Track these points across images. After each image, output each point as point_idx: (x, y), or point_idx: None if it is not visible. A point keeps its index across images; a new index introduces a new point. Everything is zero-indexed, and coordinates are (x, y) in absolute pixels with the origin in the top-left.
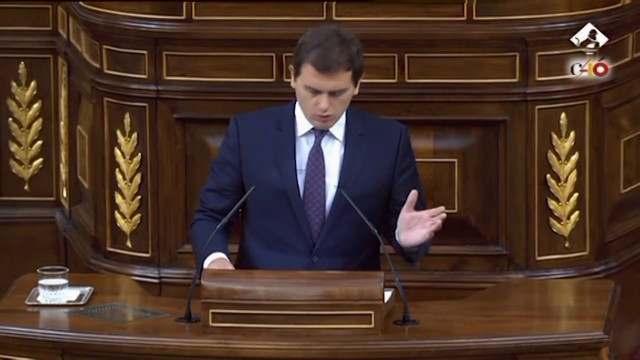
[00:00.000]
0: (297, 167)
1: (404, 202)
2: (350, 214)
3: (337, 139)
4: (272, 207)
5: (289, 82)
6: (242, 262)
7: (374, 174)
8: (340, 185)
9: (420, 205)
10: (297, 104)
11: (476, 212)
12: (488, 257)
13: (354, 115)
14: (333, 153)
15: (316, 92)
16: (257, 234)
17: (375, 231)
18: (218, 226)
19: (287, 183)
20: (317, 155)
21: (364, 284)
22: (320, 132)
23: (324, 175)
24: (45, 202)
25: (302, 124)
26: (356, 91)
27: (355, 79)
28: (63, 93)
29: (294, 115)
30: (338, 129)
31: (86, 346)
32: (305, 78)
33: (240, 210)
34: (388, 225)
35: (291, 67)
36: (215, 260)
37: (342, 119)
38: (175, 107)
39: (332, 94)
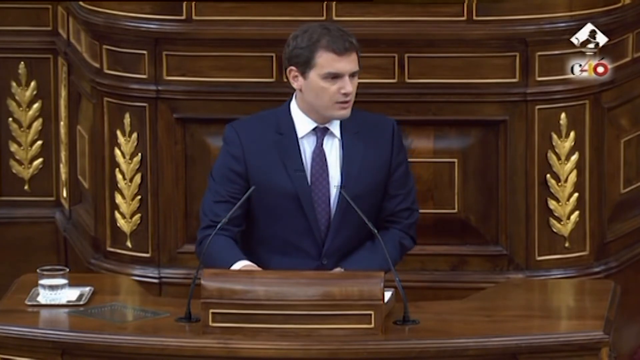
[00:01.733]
0: (305, 168)
1: (396, 196)
2: (353, 213)
3: (337, 137)
4: (283, 211)
5: (287, 83)
6: None
7: (373, 171)
8: (342, 185)
9: (414, 201)
10: (291, 106)
11: (476, 212)
12: (488, 257)
13: None
14: (333, 152)
15: (337, 77)
16: (266, 240)
17: (375, 231)
18: (219, 225)
19: (298, 185)
20: (320, 155)
21: (364, 284)
22: (321, 132)
23: (327, 175)
24: (45, 202)
25: (302, 126)
26: None
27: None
28: (63, 93)
29: (292, 118)
30: (336, 127)
31: (86, 346)
32: (325, 66)
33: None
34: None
35: (292, 69)
36: (246, 266)
37: None
38: (175, 107)
39: (350, 76)
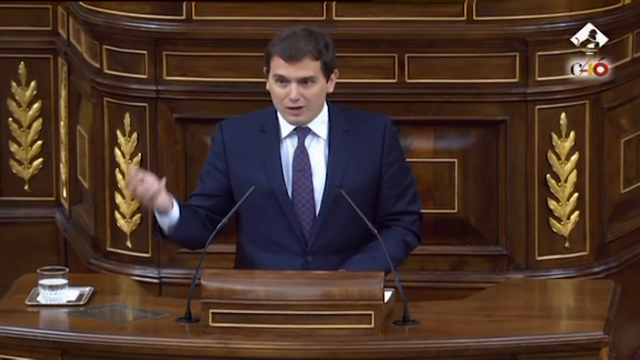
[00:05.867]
0: (284, 168)
1: (391, 196)
2: (340, 212)
3: (321, 137)
4: (263, 209)
5: None
6: (241, 266)
7: (360, 170)
8: (336, 185)
9: (411, 202)
10: None
11: (476, 212)
12: (488, 257)
13: (337, 112)
14: (318, 152)
15: (285, 82)
16: (251, 237)
17: (375, 231)
18: (218, 226)
19: (274, 184)
20: (302, 155)
21: (364, 284)
22: (303, 132)
23: (310, 175)
24: (45, 202)
25: (286, 126)
26: (330, 88)
27: (325, 72)
28: (63, 93)
29: (277, 118)
30: (321, 127)
31: (86, 346)
32: (274, 69)
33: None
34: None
35: (265, 69)
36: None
37: (325, 117)
38: (175, 107)
39: (301, 83)
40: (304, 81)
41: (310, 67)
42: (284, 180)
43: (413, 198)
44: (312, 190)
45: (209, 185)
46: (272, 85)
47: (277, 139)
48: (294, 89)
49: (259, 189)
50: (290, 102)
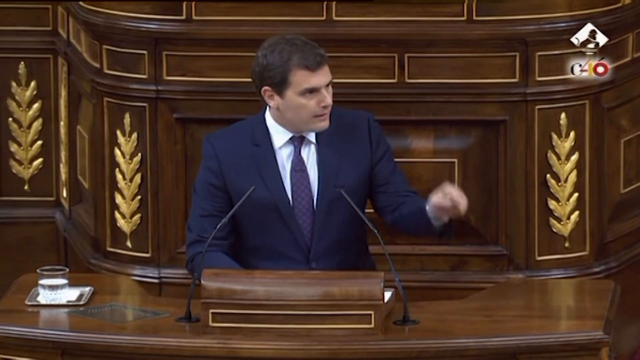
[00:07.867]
0: (283, 179)
1: (386, 184)
2: (336, 213)
3: (312, 142)
4: (264, 221)
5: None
6: None
7: (352, 169)
8: (336, 185)
9: (403, 187)
10: (266, 117)
11: (476, 212)
12: (488, 257)
13: None
14: (311, 157)
15: (314, 92)
16: (253, 249)
17: (376, 231)
18: (219, 225)
19: (276, 195)
20: (299, 164)
21: (364, 284)
22: (298, 141)
23: (309, 183)
24: (45, 202)
25: (278, 137)
26: None
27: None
28: (63, 93)
29: (267, 129)
30: (311, 133)
31: (86, 346)
32: (301, 83)
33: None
34: (383, 205)
35: (267, 89)
36: None
37: None
38: (175, 107)
39: (326, 88)
40: (326, 85)
41: (328, 71)
42: (285, 192)
43: (407, 185)
44: (311, 198)
45: (213, 203)
46: (298, 100)
47: (272, 151)
48: (326, 95)
49: (259, 202)
50: (321, 109)
